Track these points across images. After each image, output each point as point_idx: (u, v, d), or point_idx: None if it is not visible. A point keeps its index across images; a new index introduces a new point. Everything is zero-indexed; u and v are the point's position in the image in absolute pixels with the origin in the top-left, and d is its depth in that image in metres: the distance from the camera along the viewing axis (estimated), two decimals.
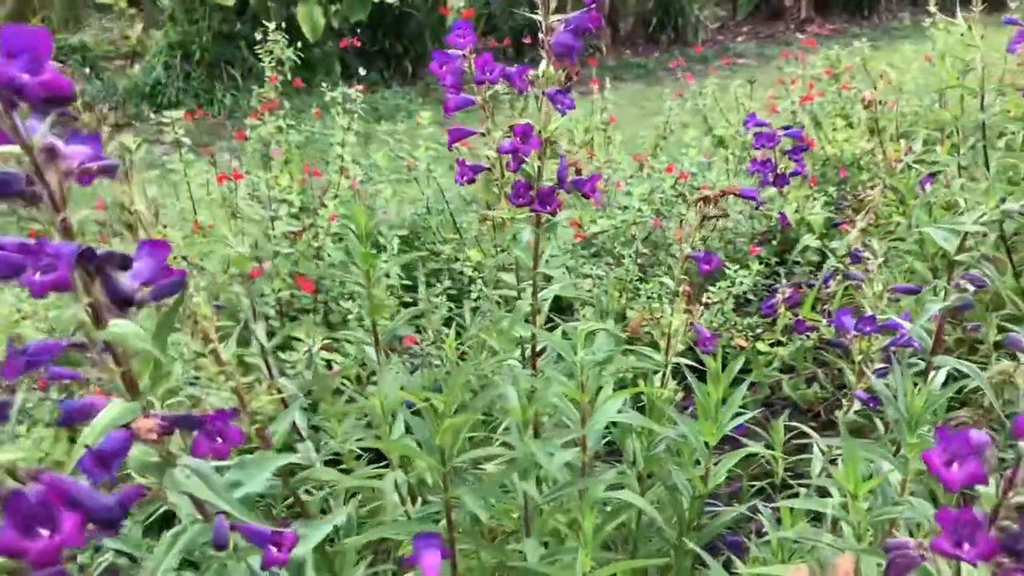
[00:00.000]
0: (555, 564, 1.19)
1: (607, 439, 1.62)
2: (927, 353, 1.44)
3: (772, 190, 2.54)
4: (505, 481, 1.23)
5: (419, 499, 1.30)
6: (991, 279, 1.31)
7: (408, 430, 1.18)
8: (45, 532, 0.72)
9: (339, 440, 1.33)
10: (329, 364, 2.23)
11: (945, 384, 1.35)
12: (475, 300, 2.44)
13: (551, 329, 1.33)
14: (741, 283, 2.53)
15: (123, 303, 0.80)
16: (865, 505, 1.15)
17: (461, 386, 1.14)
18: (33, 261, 0.73)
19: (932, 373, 1.35)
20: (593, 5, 1.16)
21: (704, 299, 2.29)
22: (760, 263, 2.74)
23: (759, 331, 2.52)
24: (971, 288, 1.28)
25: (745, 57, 8.38)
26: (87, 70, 8.24)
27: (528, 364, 1.32)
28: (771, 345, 2.46)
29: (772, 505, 1.36)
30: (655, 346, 1.65)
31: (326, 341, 2.35)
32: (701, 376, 1.39)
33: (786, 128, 2.12)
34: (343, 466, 1.57)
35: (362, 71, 7.47)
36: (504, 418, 1.34)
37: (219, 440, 0.87)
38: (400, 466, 1.29)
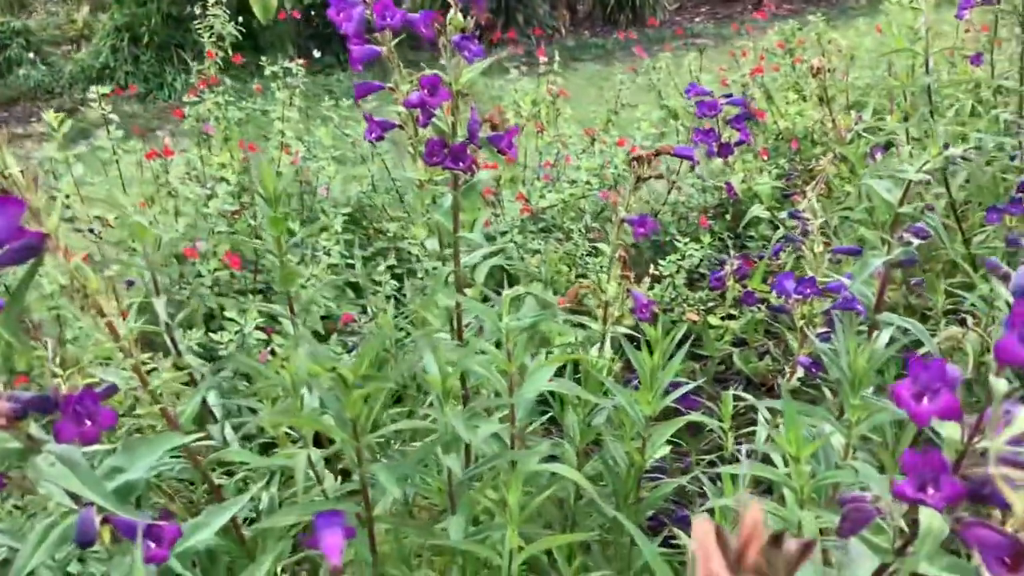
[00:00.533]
0: (484, 542, 1.13)
1: (549, 413, 1.57)
2: (872, 316, 1.39)
3: (719, 161, 2.49)
4: (431, 457, 1.16)
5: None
6: (936, 231, 1.25)
7: (323, 405, 1.10)
8: None
9: (257, 420, 1.25)
10: (268, 344, 2.15)
11: (890, 345, 1.30)
12: (420, 278, 2.36)
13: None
14: (692, 255, 2.49)
15: None
16: (808, 469, 1.11)
17: (374, 358, 1.07)
18: None
19: (876, 333, 1.30)
20: None
21: (654, 272, 2.23)
22: (713, 237, 2.69)
23: (711, 305, 2.48)
24: (915, 241, 1.23)
25: (702, 37, 8.35)
26: (31, 55, 7.99)
27: (455, 335, 1.25)
28: (722, 319, 2.41)
29: (715, 471, 1.31)
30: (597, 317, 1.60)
31: (268, 323, 2.27)
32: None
33: (727, 96, 2.06)
34: (277, 449, 1.50)
35: (317, 53, 7.32)
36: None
37: (88, 423, 0.78)
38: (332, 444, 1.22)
